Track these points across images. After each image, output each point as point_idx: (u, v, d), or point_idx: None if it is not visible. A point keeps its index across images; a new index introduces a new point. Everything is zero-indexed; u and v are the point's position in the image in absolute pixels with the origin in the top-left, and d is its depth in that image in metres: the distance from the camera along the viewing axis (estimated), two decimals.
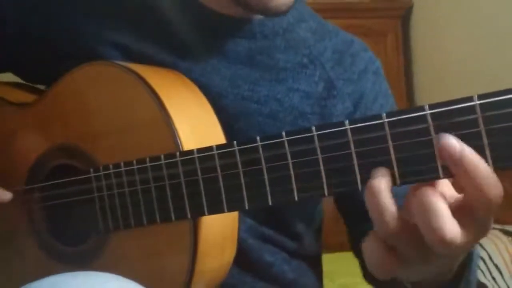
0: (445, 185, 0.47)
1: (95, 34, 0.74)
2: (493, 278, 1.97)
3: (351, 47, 0.81)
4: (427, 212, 0.43)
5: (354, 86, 0.78)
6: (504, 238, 2.09)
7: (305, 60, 0.77)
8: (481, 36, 2.50)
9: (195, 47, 0.74)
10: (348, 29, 0.84)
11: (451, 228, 0.43)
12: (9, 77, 0.82)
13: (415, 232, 0.45)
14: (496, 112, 0.42)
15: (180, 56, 0.73)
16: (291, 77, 0.75)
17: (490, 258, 2.00)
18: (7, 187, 0.70)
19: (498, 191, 0.44)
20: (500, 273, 1.99)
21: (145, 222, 0.61)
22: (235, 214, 0.64)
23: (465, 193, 0.45)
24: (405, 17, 2.98)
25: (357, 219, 0.75)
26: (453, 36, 2.69)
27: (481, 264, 1.99)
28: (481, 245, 2.02)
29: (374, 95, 0.79)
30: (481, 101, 0.42)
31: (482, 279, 1.96)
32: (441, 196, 0.44)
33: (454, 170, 0.44)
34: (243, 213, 0.69)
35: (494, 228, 2.16)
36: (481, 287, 1.94)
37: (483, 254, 2.00)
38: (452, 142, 0.43)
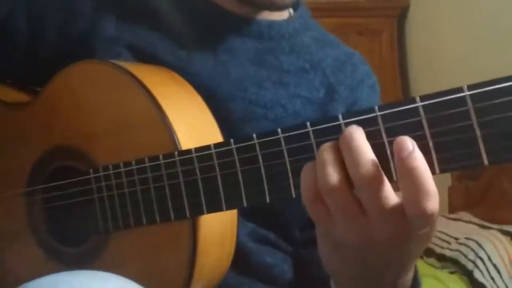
0: None
1: (99, 33, 0.74)
2: (492, 278, 1.97)
3: (352, 59, 0.83)
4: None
5: (351, 92, 0.79)
6: (503, 238, 2.09)
7: (306, 65, 0.78)
8: (477, 35, 2.50)
9: (202, 46, 0.74)
10: (344, 28, 0.86)
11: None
12: None
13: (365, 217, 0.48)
14: (487, 103, 0.42)
15: (188, 59, 0.73)
16: (293, 82, 0.76)
17: (489, 258, 2.00)
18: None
19: (434, 207, 0.45)
20: (499, 273, 1.99)
21: (144, 222, 0.62)
22: (234, 213, 0.65)
23: (404, 202, 0.46)
24: (401, 16, 3.00)
25: None
26: (449, 35, 2.70)
27: (480, 264, 1.99)
28: (480, 245, 2.03)
29: (366, 106, 0.80)
30: (471, 92, 0.42)
31: (481, 279, 1.96)
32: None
33: (398, 170, 0.45)
34: (243, 216, 0.70)
35: (493, 228, 2.16)
36: (480, 287, 1.95)
37: (482, 254, 2.00)
38: (406, 140, 0.44)
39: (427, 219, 0.45)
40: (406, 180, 0.45)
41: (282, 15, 0.80)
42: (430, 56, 2.84)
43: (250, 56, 0.75)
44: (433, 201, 0.45)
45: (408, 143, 0.44)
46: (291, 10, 0.82)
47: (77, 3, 0.75)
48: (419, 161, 0.44)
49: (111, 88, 0.65)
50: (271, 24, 0.77)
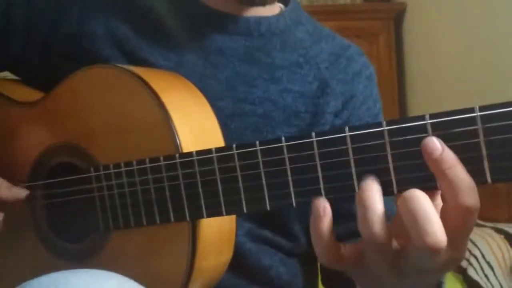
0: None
1: (97, 35, 0.74)
2: (486, 276, 1.99)
3: (347, 51, 0.82)
4: (419, 217, 0.44)
5: (346, 86, 0.79)
6: (497, 236, 2.10)
7: (301, 59, 0.78)
8: (474, 38, 2.50)
9: (192, 48, 0.74)
10: (341, 31, 0.85)
11: (443, 233, 0.44)
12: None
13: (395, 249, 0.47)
14: (496, 124, 0.42)
15: (178, 61, 0.73)
16: (286, 77, 0.76)
17: (483, 256, 2.01)
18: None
19: (474, 201, 0.44)
20: (493, 270, 2.00)
21: (144, 222, 0.62)
22: (232, 218, 0.65)
23: (444, 202, 0.46)
24: (397, 19, 2.99)
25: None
26: (446, 38, 2.69)
27: (474, 261, 2.00)
28: (473, 243, 2.04)
29: (364, 97, 0.80)
30: (482, 113, 0.43)
31: (475, 276, 1.97)
32: (429, 201, 0.45)
33: (433, 169, 0.45)
34: (241, 217, 0.70)
35: (487, 226, 2.18)
36: (473, 284, 1.96)
37: (476, 252, 2.02)
38: (434, 141, 0.44)
39: (467, 213, 0.44)
40: (443, 179, 0.44)
41: (272, 11, 0.79)
42: (426, 59, 2.84)
43: (240, 55, 0.75)
44: (472, 195, 0.44)
45: (437, 144, 0.44)
46: (282, 6, 0.81)
47: (64, 1, 0.76)
48: (452, 158, 0.44)
49: (118, 90, 0.65)
50: (260, 20, 0.76)
